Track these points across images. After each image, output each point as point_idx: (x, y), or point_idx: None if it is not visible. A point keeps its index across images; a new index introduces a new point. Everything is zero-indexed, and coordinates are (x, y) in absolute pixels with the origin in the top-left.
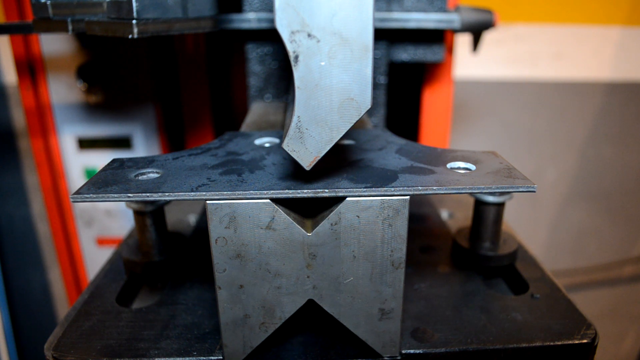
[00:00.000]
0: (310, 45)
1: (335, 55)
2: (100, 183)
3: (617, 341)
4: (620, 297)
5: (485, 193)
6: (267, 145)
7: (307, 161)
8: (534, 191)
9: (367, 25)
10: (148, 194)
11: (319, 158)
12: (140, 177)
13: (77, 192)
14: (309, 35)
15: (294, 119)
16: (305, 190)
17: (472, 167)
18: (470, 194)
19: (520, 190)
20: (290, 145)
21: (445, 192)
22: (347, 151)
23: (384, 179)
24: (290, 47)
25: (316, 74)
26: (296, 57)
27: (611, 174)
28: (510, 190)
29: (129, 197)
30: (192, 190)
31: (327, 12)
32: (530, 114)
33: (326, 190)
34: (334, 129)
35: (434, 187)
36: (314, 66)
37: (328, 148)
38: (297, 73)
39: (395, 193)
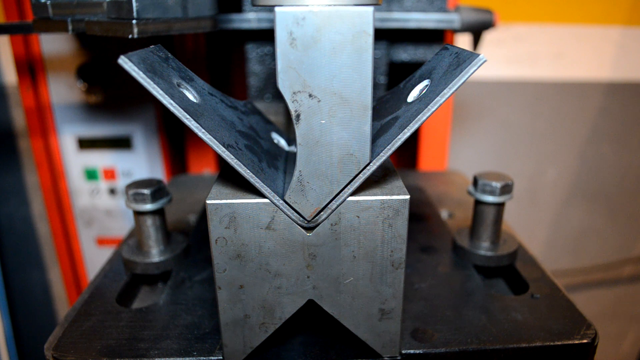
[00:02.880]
0: (312, 104)
1: (335, 114)
2: (149, 66)
3: (617, 341)
4: (620, 297)
5: (444, 100)
6: (280, 144)
7: (308, 212)
8: (484, 61)
9: (366, 85)
10: (187, 117)
11: (319, 209)
12: (181, 89)
13: (128, 57)
14: (310, 95)
15: (296, 172)
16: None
17: (427, 82)
18: (431, 114)
19: (472, 71)
20: (292, 197)
21: (408, 134)
22: None
23: None
24: (292, 107)
25: (317, 132)
26: (298, 116)
27: (611, 174)
28: (462, 79)
29: (172, 104)
30: (223, 145)
31: (327, 73)
32: (530, 114)
33: (323, 215)
34: (334, 182)
35: (399, 137)
36: (314, 124)
37: (328, 200)
38: (299, 131)
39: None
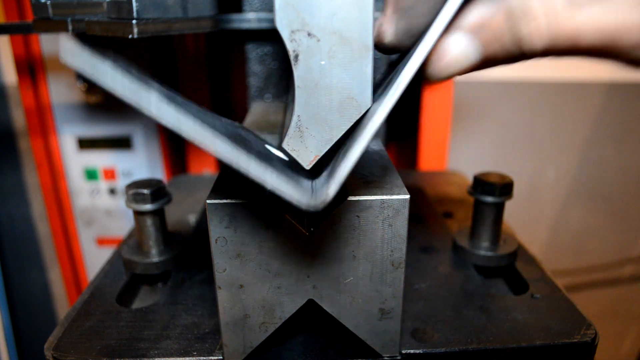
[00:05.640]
0: (311, 44)
1: (335, 55)
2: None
3: (617, 341)
4: (620, 297)
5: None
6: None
7: (307, 160)
8: None
9: (367, 24)
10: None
11: (319, 157)
12: None
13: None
14: (309, 34)
15: (294, 118)
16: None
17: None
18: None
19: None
20: (290, 145)
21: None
22: None
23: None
24: (290, 47)
25: (316, 73)
26: (296, 57)
27: (611, 174)
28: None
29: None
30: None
31: (327, 11)
32: (530, 114)
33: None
34: (334, 128)
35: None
36: (314, 65)
37: (328, 147)
38: (297, 72)
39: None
